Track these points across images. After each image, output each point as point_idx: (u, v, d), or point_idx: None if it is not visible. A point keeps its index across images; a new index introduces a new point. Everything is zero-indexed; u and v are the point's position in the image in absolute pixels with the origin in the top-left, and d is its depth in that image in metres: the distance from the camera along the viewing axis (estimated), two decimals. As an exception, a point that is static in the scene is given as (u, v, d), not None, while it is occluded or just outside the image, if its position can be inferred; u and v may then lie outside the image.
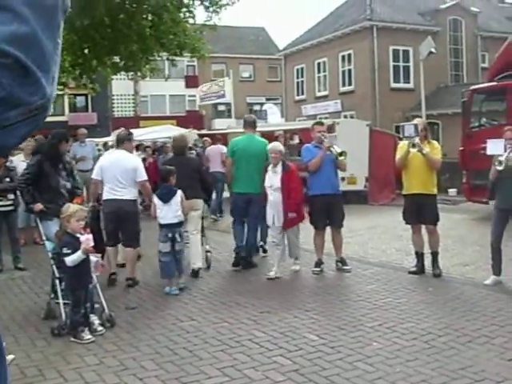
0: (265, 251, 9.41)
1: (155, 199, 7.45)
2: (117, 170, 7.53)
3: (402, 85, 28.33)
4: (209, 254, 8.63)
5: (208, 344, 5.47)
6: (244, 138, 8.91)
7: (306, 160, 8.29)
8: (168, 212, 7.31)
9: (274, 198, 8.04)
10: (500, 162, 7.03)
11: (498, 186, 7.35)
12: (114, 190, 7.47)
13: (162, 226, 7.37)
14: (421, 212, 7.96)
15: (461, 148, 13.27)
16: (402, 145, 8.03)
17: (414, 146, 7.67)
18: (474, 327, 5.81)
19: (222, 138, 15.16)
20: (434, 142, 8.03)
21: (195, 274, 8.00)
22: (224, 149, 12.63)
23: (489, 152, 7.38)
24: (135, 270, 7.72)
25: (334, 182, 8.29)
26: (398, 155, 8.03)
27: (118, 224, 7.51)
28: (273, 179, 8.08)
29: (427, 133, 7.97)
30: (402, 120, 26.76)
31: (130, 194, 7.54)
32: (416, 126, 7.73)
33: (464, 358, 5.04)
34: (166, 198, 7.36)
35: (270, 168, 8.14)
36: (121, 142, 7.93)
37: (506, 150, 7.12)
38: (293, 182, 8.05)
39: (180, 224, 7.47)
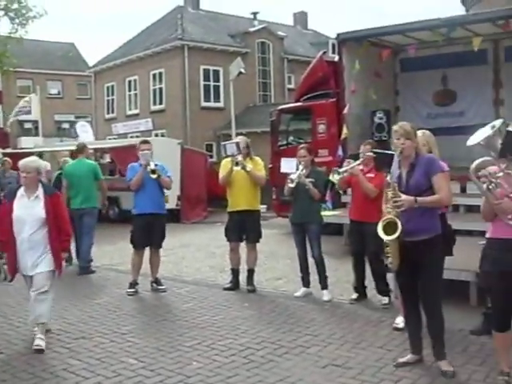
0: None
1: None
2: None
3: (212, 104, 28.85)
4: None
5: (18, 378, 5.03)
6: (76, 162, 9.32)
7: (129, 179, 8.09)
8: None
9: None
10: (292, 180, 7.35)
11: (293, 201, 7.71)
12: None
13: None
14: (244, 229, 8.06)
15: (270, 165, 13.71)
16: (225, 162, 8.06)
17: (237, 163, 7.75)
18: (290, 338, 5.95)
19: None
20: (257, 159, 8.17)
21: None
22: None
23: (282, 170, 7.69)
24: None
25: (156, 201, 8.13)
26: (222, 173, 8.06)
27: None
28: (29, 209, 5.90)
29: (249, 150, 8.09)
30: (213, 139, 27.33)
31: None
32: (238, 143, 7.82)
33: (282, 369, 5.13)
34: None
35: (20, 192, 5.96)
36: None
37: (298, 169, 7.48)
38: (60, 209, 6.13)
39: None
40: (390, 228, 4.76)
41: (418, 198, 4.75)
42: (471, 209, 9.45)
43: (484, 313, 5.94)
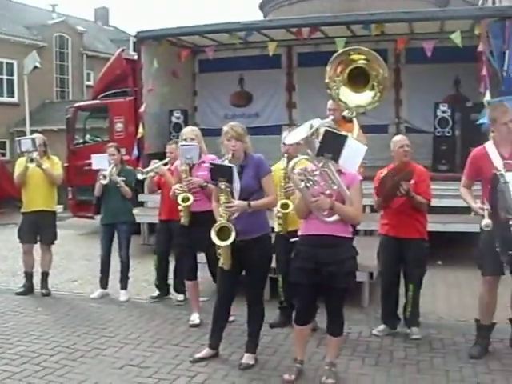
0: None
1: None
2: None
3: (5, 99, 27.12)
4: None
5: None
6: None
7: None
8: None
9: None
10: (104, 177, 7.21)
11: (103, 202, 7.54)
12: None
13: None
14: (38, 230, 7.72)
15: (66, 164, 13.18)
16: (21, 161, 7.59)
17: (32, 160, 7.35)
18: (86, 341, 5.81)
19: None
20: (54, 158, 7.81)
21: None
22: None
23: (94, 167, 7.48)
24: None
25: None
26: (17, 171, 7.61)
27: None
28: None
29: (46, 148, 7.72)
30: (6, 136, 25.78)
31: None
32: (34, 140, 7.42)
33: (77, 373, 5.00)
34: None
35: None
36: None
37: (110, 165, 7.34)
38: None
39: None
40: (223, 233, 4.83)
41: (252, 203, 4.86)
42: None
43: (279, 307, 6.25)
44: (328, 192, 4.42)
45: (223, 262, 5.00)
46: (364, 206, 9.52)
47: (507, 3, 20.79)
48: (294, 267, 4.70)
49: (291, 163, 4.46)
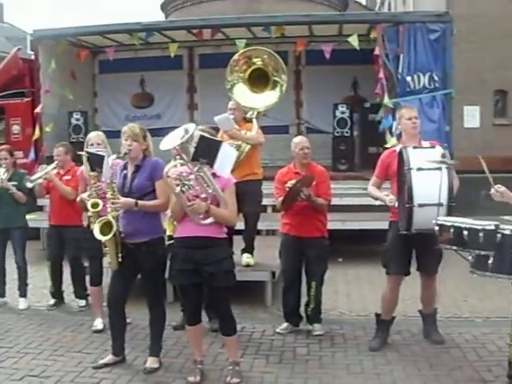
0: None
1: None
2: None
3: None
4: None
5: None
6: None
7: None
8: None
9: None
10: None
11: None
12: None
13: None
14: None
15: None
16: None
17: None
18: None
19: None
20: None
21: None
22: None
23: None
24: None
25: None
26: None
27: None
28: None
29: None
30: None
31: None
32: None
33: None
34: None
35: None
36: None
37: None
38: None
39: None
40: (106, 228, 4.81)
41: (140, 202, 4.83)
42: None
43: (182, 309, 6.23)
44: (203, 196, 4.50)
45: (110, 261, 4.97)
46: (265, 206, 9.70)
47: (401, 9, 21.75)
48: (174, 269, 4.76)
49: (166, 168, 4.52)
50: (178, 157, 5.55)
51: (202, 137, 4.38)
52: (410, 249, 5.40)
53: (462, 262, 4.50)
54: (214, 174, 4.51)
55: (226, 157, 4.50)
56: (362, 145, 12.12)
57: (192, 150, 4.37)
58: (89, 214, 5.82)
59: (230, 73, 6.94)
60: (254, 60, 6.97)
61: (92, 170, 5.00)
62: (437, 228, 4.48)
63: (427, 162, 4.87)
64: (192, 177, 4.43)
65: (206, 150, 4.34)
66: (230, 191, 4.65)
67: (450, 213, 4.79)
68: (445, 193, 4.81)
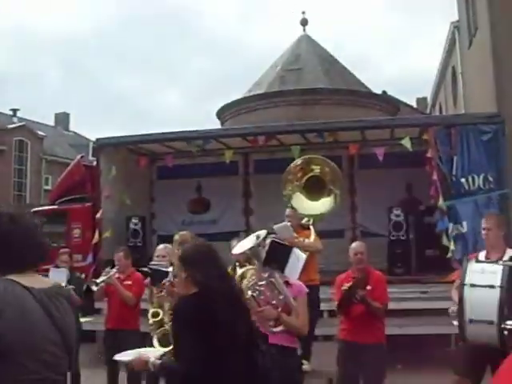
0: None
1: None
2: None
3: (-40, 204, 26.95)
4: None
5: None
6: None
7: None
8: None
9: None
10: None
11: None
12: None
13: None
14: None
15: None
16: None
17: None
18: None
19: None
20: None
21: None
22: None
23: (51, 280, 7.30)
24: None
25: None
26: None
27: None
28: None
29: None
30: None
31: None
32: None
33: None
34: None
35: None
36: None
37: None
38: None
39: None
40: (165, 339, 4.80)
41: None
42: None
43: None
44: (274, 302, 4.45)
45: None
46: (322, 311, 9.56)
47: (452, 110, 21.93)
48: None
49: (238, 272, 4.56)
50: (237, 263, 5.65)
51: (272, 242, 4.45)
52: (483, 361, 5.16)
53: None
54: (286, 282, 4.51)
55: (297, 262, 4.55)
56: (417, 248, 11.97)
57: (263, 255, 4.43)
58: (150, 322, 5.85)
59: (285, 183, 7.07)
60: (313, 167, 7.11)
61: (153, 284, 5.07)
62: (506, 333, 4.44)
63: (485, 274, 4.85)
64: (263, 282, 4.42)
65: (277, 256, 4.40)
66: (302, 300, 4.61)
67: (501, 331, 4.66)
68: (495, 310, 4.71)
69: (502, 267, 4.93)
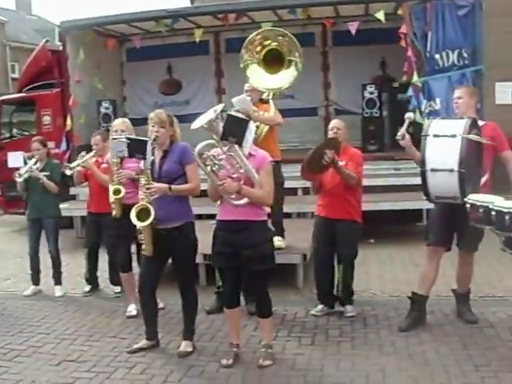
0: None
1: None
2: None
3: None
4: None
5: None
6: None
7: None
8: None
9: None
10: (20, 175, 7.06)
11: (28, 197, 7.40)
12: None
13: None
14: None
15: (-7, 160, 12.84)
16: None
17: None
18: (21, 340, 5.70)
19: None
20: None
21: None
22: None
23: (10, 165, 7.28)
24: None
25: None
26: None
27: None
28: None
29: None
30: None
31: None
32: None
33: (13, 373, 4.90)
34: None
35: None
36: None
37: (26, 163, 7.24)
38: None
39: None
40: (143, 215, 4.85)
41: (173, 186, 4.88)
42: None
43: (216, 292, 6.28)
44: (235, 175, 4.50)
45: (145, 247, 5.00)
46: (296, 189, 9.69)
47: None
48: (214, 252, 4.82)
49: (197, 148, 4.55)
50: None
51: (229, 115, 4.40)
52: (452, 223, 5.35)
53: (497, 241, 4.47)
54: (249, 154, 4.52)
55: (249, 134, 4.50)
56: (391, 125, 12.00)
57: (221, 129, 4.39)
58: (111, 200, 5.91)
59: (245, 52, 6.94)
60: (269, 41, 6.95)
61: (131, 156, 4.99)
62: (468, 206, 4.54)
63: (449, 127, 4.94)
64: (223, 156, 4.44)
65: (235, 129, 4.35)
66: (265, 171, 4.64)
67: (461, 179, 4.78)
68: (456, 159, 4.81)
69: (466, 119, 4.99)
